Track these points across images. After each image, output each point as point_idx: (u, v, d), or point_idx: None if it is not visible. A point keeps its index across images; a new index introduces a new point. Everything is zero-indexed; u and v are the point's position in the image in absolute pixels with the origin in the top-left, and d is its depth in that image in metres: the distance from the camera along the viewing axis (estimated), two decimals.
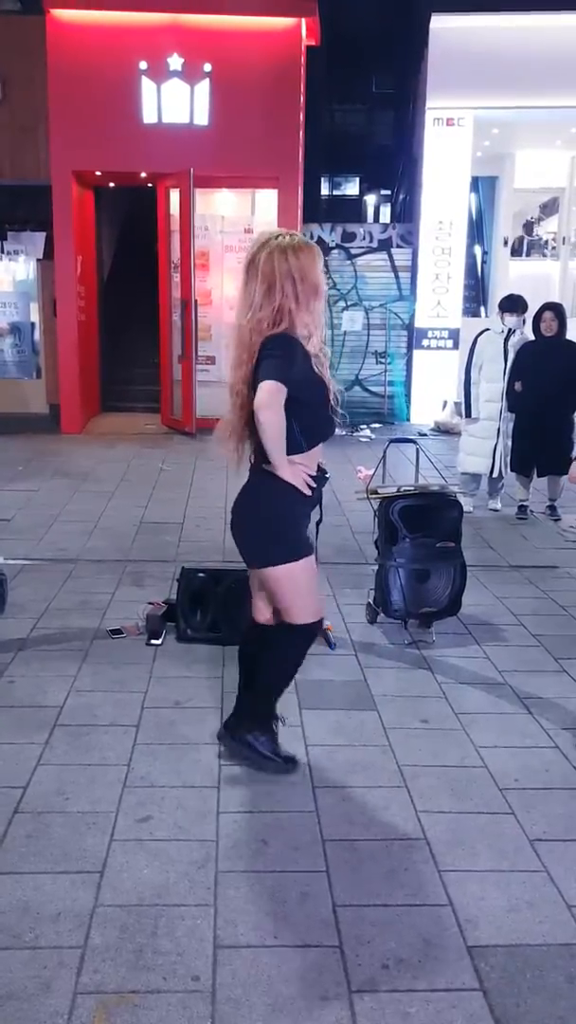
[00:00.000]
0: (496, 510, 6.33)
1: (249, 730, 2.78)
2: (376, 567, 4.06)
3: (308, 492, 2.54)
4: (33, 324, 9.92)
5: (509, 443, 6.11)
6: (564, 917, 2.17)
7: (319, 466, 2.63)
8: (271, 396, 2.38)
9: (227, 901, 2.20)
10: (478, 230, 12.16)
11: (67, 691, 3.35)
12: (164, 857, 2.36)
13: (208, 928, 2.10)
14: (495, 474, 6.18)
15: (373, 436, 9.51)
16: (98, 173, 9.32)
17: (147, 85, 8.72)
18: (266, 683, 2.76)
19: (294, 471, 2.52)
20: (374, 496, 4.10)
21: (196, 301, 9.06)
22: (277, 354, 2.41)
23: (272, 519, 2.60)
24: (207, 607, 3.86)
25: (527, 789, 2.73)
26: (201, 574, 3.94)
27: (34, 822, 2.50)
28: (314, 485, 2.56)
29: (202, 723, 3.12)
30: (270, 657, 2.73)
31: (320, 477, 2.61)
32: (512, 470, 6.17)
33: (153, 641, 3.81)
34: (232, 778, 2.75)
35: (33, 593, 4.42)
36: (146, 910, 2.16)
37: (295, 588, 2.60)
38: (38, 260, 9.73)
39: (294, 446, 2.50)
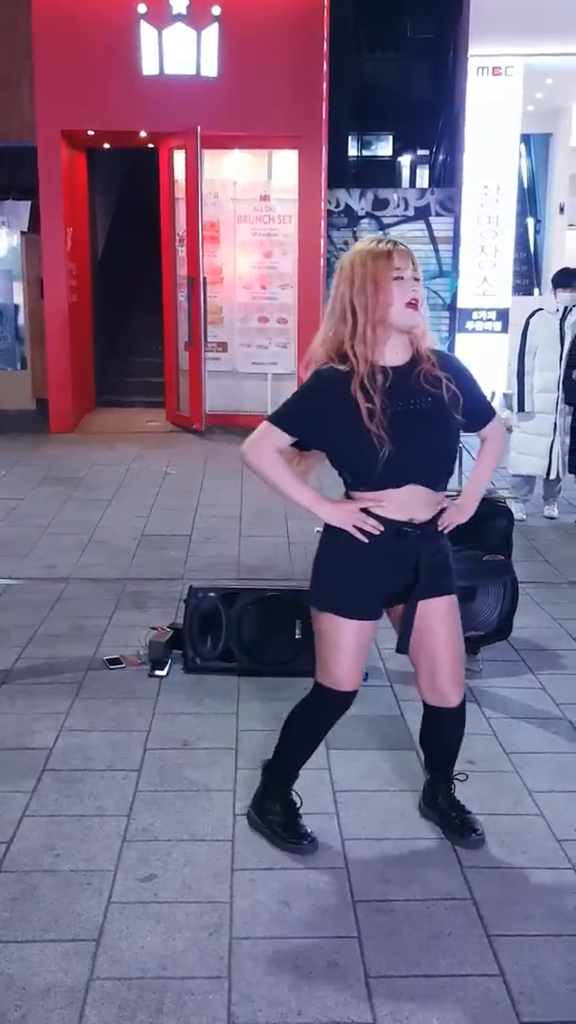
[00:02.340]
0: (553, 517, 6.30)
1: (260, 801, 2.79)
2: None
3: (362, 537, 2.45)
4: (17, 307, 10.02)
5: (568, 440, 6.09)
6: None
7: (404, 519, 2.45)
8: (254, 438, 2.54)
9: (243, 973, 2.20)
10: (530, 196, 12.15)
11: (57, 730, 3.37)
12: (170, 922, 2.37)
13: (221, 1004, 2.11)
14: (552, 476, 6.16)
15: None
16: (91, 133, 9.42)
17: (147, 31, 8.80)
18: (278, 742, 2.79)
19: (340, 510, 2.48)
20: None
21: (205, 279, 9.12)
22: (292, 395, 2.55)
23: (318, 556, 2.63)
24: (219, 632, 3.88)
25: None
26: (212, 594, 3.96)
27: (19, 883, 2.52)
28: (374, 532, 2.44)
29: (214, 766, 3.13)
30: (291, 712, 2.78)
31: (395, 527, 2.44)
32: (571, 471, 6.15)
33: (157, 672, 3.83)
34: (249, 831, 2.76)
35: (18, 618, 4.46)
36: (149, 983, 2.17)
37: (319, 638, 2.62)
38: (22, 233, 9.84)
39: (348, 486, 2.55)
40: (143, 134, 9.41)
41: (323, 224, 9.64)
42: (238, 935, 2.33)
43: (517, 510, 5.81)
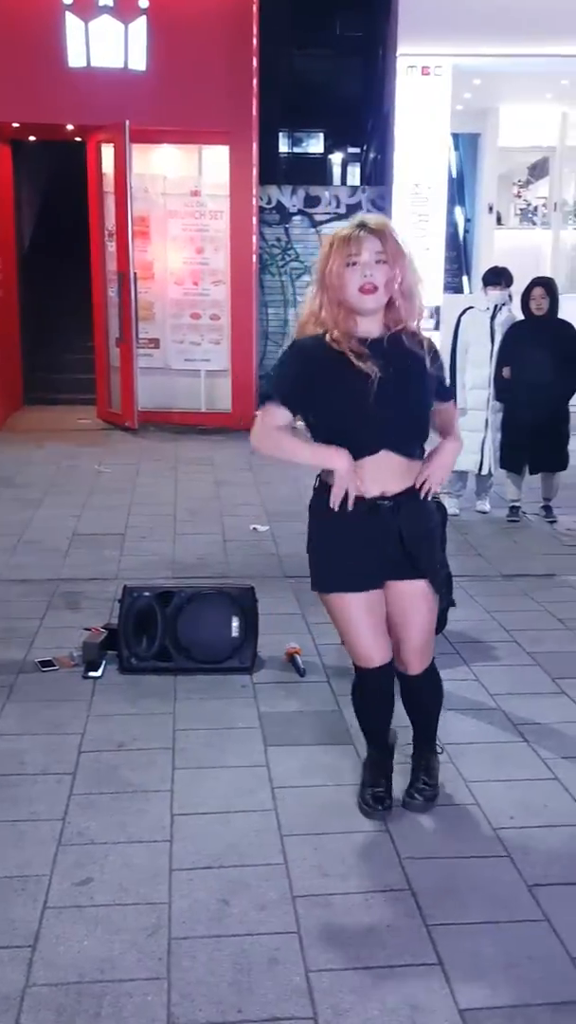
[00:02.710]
0: (485, 512, 6.41)
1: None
2: None
3: (335, 504, 2.55)
4: None
5: (499, 436, 6.20)
6: (571, 973, 2.20)
7: (378, 494, 2.59)
8: (255, 426, 2.66)
9: (182, 973, 2.19)
10: (459, 194, 12.31)
11: None
12: (107, 925, 2.35)
13: (161, 1005, 2.09)
14: (484, 471, 6.26)
15: None
16: (16, 125, 9.26)
17: (72, 22, 8.66)
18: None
19: (349, 458, 2.54)
20: None
21: (135, 274, 9.04)
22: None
23: (308, 544, 2.80)
24: (154, 632, 3.85)
25: (525, 828, 2.77)
26: (147, 594, 3.93)
27: None
28: (348, 504, 2.55)
29: (150, 767, 3.11)
30: None
31: (368, 504, 2.58)
32: (502, 467, 6.26)
33: (91, 673, 3.78)
34: (187, 830, 2.75)
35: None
36: (87, 988, 2.14)
37: (335, 623, 2.79)
38: None
39: None
40: (70, 127, 9.29)
41: (255, 220, 9.63)
42: (177, 935, 2.31)
43: (451, 505, 5.89)
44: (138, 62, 8.77)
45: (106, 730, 3.36)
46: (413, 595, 2.70)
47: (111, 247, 9.26)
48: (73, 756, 3.16)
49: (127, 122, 8.61)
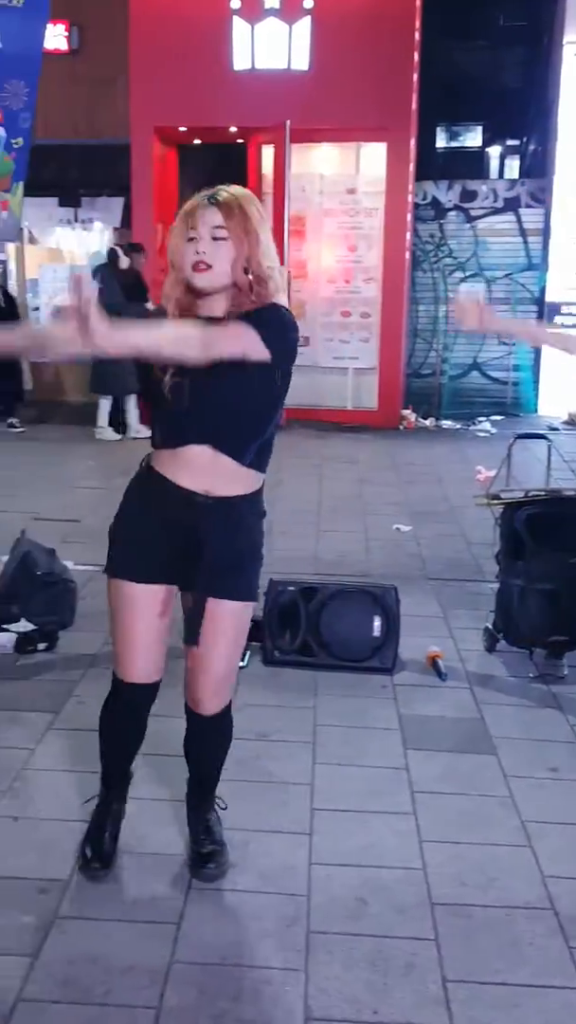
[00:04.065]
0: None
1: None
2: (497, 586, 4.01)
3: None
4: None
5: None
6: None
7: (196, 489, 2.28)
8: None
9: (319, 967, 2.21)
10: None
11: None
12: (248, 911, 2.40)
13: (298, 996, 2.13)
14: None
15: (494, 430, 9.40)
16: (183, 129, 9.52)
17: (239, 26, 8.84)
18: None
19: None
20: (495, 502, 4.05)
21: (290, 273, 9.12)
22: None
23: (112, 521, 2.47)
24: (297, 626, 3.89)
25: None
26: (291, 588, 3.97)
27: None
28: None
29: (290, 760, 3.15)
30: None
31: (184, 495, 2.27)
32: None
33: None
34: (326, 826, 2.77)
35: (105, 603, 4.53)
36: (228, 970, 2.20)
37: (110, 614, 2.47)
38: (115, 228, 10.01)
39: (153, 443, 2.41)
40: (233, 129, 9.47)
41: (409, 217, 9.54)
42: (315, 929, 2.34)
43: None
44: (301, 62, 8.86)
45: (249, 719, 3.40)
46: (218, 615, 2.35)
47: None
48: None
49: (288, 123, 8.69)
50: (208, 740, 2.56)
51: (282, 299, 2.29)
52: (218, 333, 2.19)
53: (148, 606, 2.38)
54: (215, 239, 2.19)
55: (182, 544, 2.32)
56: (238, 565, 2.38)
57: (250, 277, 2.22)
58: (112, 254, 8.70)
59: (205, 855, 2.53)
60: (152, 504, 2.35)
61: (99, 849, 2.53)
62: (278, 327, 2.23)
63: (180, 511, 2.30)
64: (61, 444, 8.54)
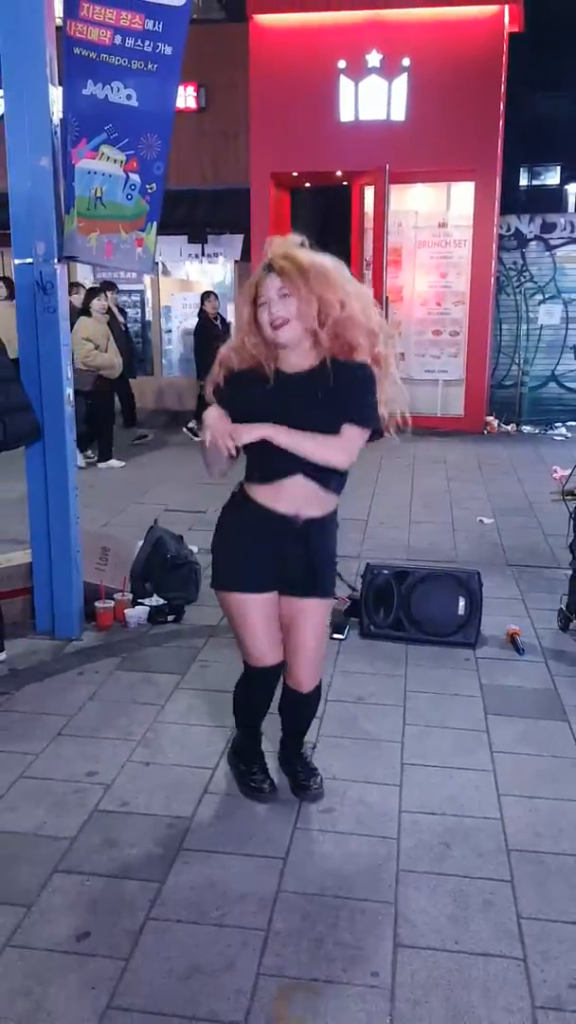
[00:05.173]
0: None
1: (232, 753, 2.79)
2: (570, 572, 3.87)
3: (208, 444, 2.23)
4: (228, 323, 10.32)
5: None
6: None
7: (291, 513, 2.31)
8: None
9: (407, 901, 2.18)
10: None
11: None
12: (346, 850, 2.38)
13: (388, 925, 2.10)
14: None
15: (569, 435, 9.16)
16: (295, 174, 9.54)
17: (345, 84, 8.81)
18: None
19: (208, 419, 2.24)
20: (570, 498, 3.94)
21: (387, 298, 9.04)
22: None
23: (212, 539, 2.48)
24: (390, 605, 3.85)
25: None
26: (385, 571, 3.93)
27: (221, 804, 2.60)
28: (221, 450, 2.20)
29: (383, 720, 3.12)
30: None
31: (281, 519, 2.32)
32: None
33: (336, 636, 3.85)
34: (414, 778, 2.73)
35: None
36: (328, 901, 2.19)
37: (228, 620, 2.49)
38: (236, 261, 10.12)
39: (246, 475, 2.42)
40: (339, 173, 9.44)
41: (494, 247, 9.32)
42: (404, 868, 2.31)
43: None
44: (399, 113, 8.76)
45: (348, 684, 3.41)
46: (311, 611, 2.42)
47: (368, 275, 9.32)
48: (321, 705, 3.23)
49: (387, 166, 8.61)
50: (307, 708, 2.64)
51: (385, 352, 2.29)
52: (343, 443, 2.26)
53: (262, 608, 2.43)
54: (282, 297, 2.20)
55: (281, 558, 2.37)
56: (323, 571, 2.45)
57: (327, 324, 2.19)
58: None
59: (306, 781, 2.63)
60: (253, 528, 2.37)
61: (267, 774, 2.65)
62: (372, 403, 2.26)
63: (278, 532, 2.34)
64: (184, 448, 8.69)
